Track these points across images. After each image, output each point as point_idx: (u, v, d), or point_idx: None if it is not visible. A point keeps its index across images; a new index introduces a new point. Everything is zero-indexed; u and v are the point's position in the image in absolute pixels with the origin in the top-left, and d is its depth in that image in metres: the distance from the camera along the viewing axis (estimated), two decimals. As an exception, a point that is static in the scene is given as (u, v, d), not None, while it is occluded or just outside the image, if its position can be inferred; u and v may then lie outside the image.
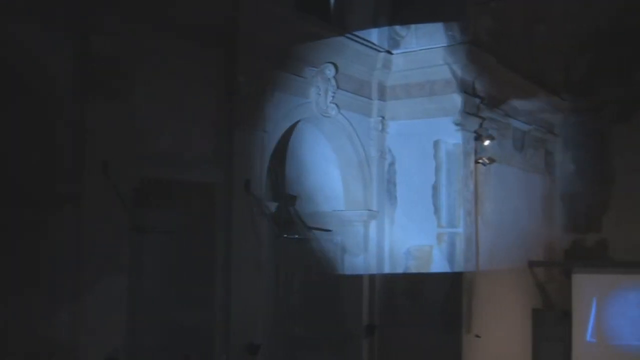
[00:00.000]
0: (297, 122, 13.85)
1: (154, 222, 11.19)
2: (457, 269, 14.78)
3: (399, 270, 15.18)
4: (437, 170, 14.97)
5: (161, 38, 10.82)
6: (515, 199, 17.36)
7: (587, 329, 17.91)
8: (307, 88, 13.65)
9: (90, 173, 9.97)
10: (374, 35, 15.10)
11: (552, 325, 18.21)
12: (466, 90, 14.97)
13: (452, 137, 14.92)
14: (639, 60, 19.04)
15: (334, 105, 14.03)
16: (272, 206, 13.08)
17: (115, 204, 10.03)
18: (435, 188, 14.96)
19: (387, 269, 15.22)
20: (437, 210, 14.93)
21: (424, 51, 15.06)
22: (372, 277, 15.07)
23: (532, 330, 18.27)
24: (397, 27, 15.32)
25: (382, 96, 15.30)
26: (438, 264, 14.89)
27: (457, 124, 14.85)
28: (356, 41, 14.45)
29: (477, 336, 15.07)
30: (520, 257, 17.67)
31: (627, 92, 19.22)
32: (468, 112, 14.97)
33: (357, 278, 14.98)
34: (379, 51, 14.95)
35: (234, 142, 12.07)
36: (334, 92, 13.98)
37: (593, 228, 19.58)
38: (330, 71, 13.86)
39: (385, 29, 15.30)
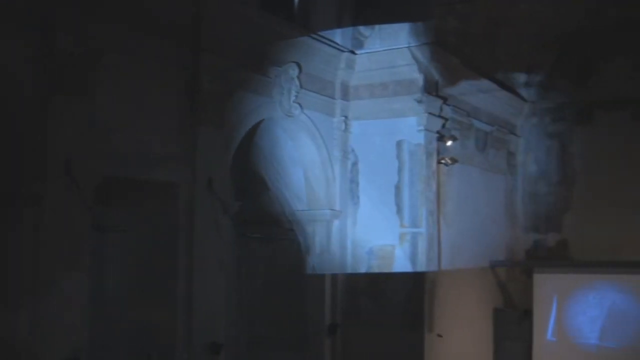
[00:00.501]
0: (261, 121, 13.82)
1: (116, 221, 11.14)
2: (419, 269, 14.85)
3: (362, 269, 15.21)
4: (400, 170, 15.02)
5: (124, 36, 10.76)
6: (477, 199, 17.46)
7: (547, 328, 18.08)
8: (271, 87, 13.65)
9: (52, 172, 9.89)
10: (337, 35, 15.12)
11: (513, 325, 18.34)
12: (429, 90, 15.04)
13: (415, 138, 14.98)
14: (600, 62, 19.26)
15: (297, 105, 14.04)
16: (235, 205, 13.05)
17: (77, 203, 9.96)
18: (397, 188, 15.02)
19: (349, 269, 15.24)
20: (399, 210, 14.99)
21: (388, 51, 15.10)
22: (334, 277, 15.09)
23: (493, 330, 18.38)
24: (361, 28, 15.35)
25: (345, 96, 15.33)
26: (400, 264, 14.95)
27: (420, 125, 14.92)
28: (320, 41, 14.47)
29: (439, 335, 15.15)
30: (482, 257, 17.77)
31: (588, 94, 19.43)
32: (431, 112, 15.04)
33: (320, 277, 14.99)
34: (342, 51, 14.98)
35: (198, 141, 12.04)
36: (297, 92, 13.98)
37: (554, 228, 19.75)
38: (293, 71, 13.87)
39: (349, 29, 15.33)
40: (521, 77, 19.35)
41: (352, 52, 15.16)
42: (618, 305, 17.54)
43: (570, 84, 19.60)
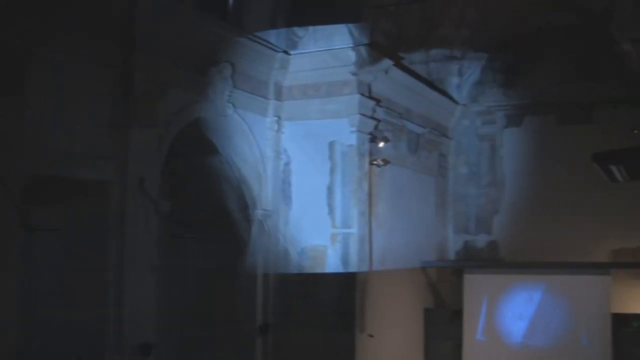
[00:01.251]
0: (195, 120, 13.73)
1: (46, 221, 10.98)
2: (350, 269, 14.92)
3: (294, 270, 15.23)
4: (332, 171, 15.08)
5: (56, 33, 10.59)
6: (409, 201, 17.62)
7: (477, 327, 18.33)
8: (205, 87, 13.58)
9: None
10: (272, 35, 15.10)
11: (443, 324, 18.55)
12: (362, 92, 15.14)
13: (348, 139, 15.06)
14: (530, 66, 19.62)
15: (230, 105, 14.01)
16: (167, 205, 12.97)
17: (6, 202, 9.80)
18: (329, 189, 15.07)
19: (281, 269, 15.25)
20: (331, 211, 15.05)
21: (322, 52, 15.13)
22: (266, 277, 15.08)
23: (424, 329, 18.58)
24: (296, 28, 15.33)
25: (278, 96, 15.34)
26: (332, 264, 15.01)
27: (352, 126, 15.01)
28: (254, 41, 14.46)
29: (370, 335, 15.25)
30: (413, 258, 17.93)
31: (518, 98, 19.79)
32: (364, 114, 15.14)
33: (252, 277, 14.97)
34: (276, 51, 14.98)
35: (129, 140, 11.91)
36: (230, 92, 13.95)
37: (484, 230, 20.05)
38: (227, 70, 13.83)
39: (284, 29, 15.32)
40: (453, 80, 19.60)
41: (286, 53, 15.17)
42: (545, 305, 17.88)
43: (501, 88, 19.95)
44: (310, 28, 15.29)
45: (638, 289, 16.08)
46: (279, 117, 15.30)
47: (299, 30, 15.30)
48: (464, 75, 19.74)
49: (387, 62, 15.57)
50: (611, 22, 14.49)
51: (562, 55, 19.12)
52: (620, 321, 17.22)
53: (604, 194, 17.08)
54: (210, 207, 14.96)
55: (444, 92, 19.10)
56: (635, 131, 14.07)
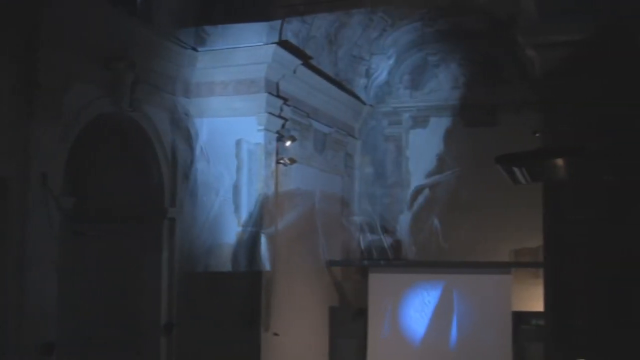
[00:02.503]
0: (101, 115, 13.48)
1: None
2: (256, 268, 14.90)
3: (200, 268, 15.11)
4: (239, 169, 15.02)
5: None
6: (315, 200, 17.69)
7: (381, 326, 18.51)
8: (111, 82, 13.35)
9: None
10: (180, 32, 14.95)
11: (348, 323, 18.66)
12: (270, 91, 15.14)
13: (255, 137, 15.03)
14: (436, 68, 19.94)
15: (137, 101, 13.81)
16: (70, 201, 12.74)
17: None
18: (236, 187, 15.01)
19: (187, 267, 15.12)
20: (237, 209, 14.99)
21: (230, 50, 15.07)
22: (171, 275, 14.93)
23: (329, 328, 18.67)
24: (205, 26, 15.25)
25: (186, 93, 15.20)
26: (238, 263, 14.96)
27: (260, 124, 15.00)
28: (162, 37, 14.33)
29: (276, 334, 15.26)
30: (318, 257, 18.02)
31: (424, 99, 20.09)
32: (271, 112, 15.15)
33: (157, 276, 14.81)
34: (184, 48, 14.87)
35: (31, 135, 11.64)
36: (137, 87, 13.76)
37: (389, 229, 20.26)
38: (134, 66, 13.62)
39: (192, 26, 15.18)
40: (361, 81, 19.76)
41: (195, 50, 15.06)
42: (448, 304, 18.16)
43: (407, 90, 20.21)
44: (220, 26, 15.20)
45: (537, 287, 16.38)
46: (187, 114, 15.16)
47: (209, 28, 15.20)
48: (371, 76, 19.92)
49: (295, 62, 15.62)
50: (516, 28, 14.80)
51: (468, 58, 19.49)
52: (521, 319, 17.61)
53: (507, 196, 17.43)
54: (115, 204, 14.75)
55: (351, 93, 19.23)
56: (537, 134, 14.38)
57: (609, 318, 13.10)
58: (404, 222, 20.13)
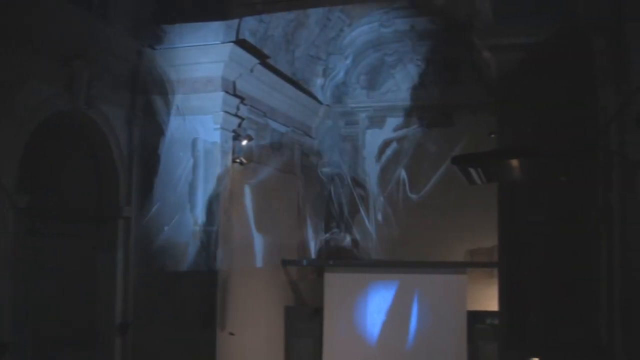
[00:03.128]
0: (56, 113, 13.30)
1: None
2: (212, 267, 14.83)
3: (155, 267, 15.01)
4: (195, 168, 14.91)
5: None
6: (271, 199, 17.66)
7: (337, 325, 18.54)
8: (66, 79, 13.21)
9: None
10: (138, 30, 14.84)
11: (304, 322, 18.66)
12: (227, 89, 15.05)
13: (211, 136, 14.92)
14: (392, 69, 20.04)
15: (93, 98, 13.68)
16: (25, 199, 12.57)
17: None
18: (191, 186, 14.92)
19: (143, 267, 15.00)
20: (193, 208, 14.90)
21: (187, 48, 14.93)
22: (127, 275, 14.82)
23: (284, 327, 18.65)
24: (162, 24, 15.12)
25: (143, 91, 15.08)
26: (193, 262, 14.88)
27: (216, 123, 14.92)
28: (119, 35, 14.21)
29: (231, 334, 15.21)
30: (274, 256, 17.98)
31: (380, 99, 20.18)
32: (228, 111, 15.06)
33: (112, 275, 14.69)
34: (141, 46, 14.75)
35: (-17, 132, 11.52)
36: (92, 85, 13.61)
37: (345, 228, 20.32)
38: (89, 63, 13.49)
39: (149, 24, 15.05)
40: (318, 81, 19.78)
41: (152, 48, 14.94)
42: (404, 303, 18.25)
43: (364, 90, 20.29)
44: (177, 24, 15.07)
45: (492, 287, 16.54)
46: (142, 112, 15.04)
47: (166, 26, 15.08)
48: (328, 76, 19.96)
49: (252, 61, 15.57)
50: (472, 29, 14.92)
51: (425, 59, 19.61)
52: (476, 319, 17.77)
53: (464, 196, 17.57)
54: (71, 203, 14.60)
55: (308, 92, 19.24)
56: (493, 135, 14.52)
57: (562, 317, 13.28)
58: (360, 221, 20.25)
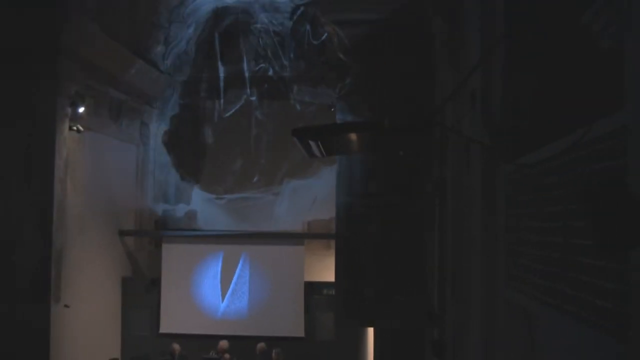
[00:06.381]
0: None
1: None
2: (46, 238, 14.42)
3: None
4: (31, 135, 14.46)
5: None
6: (109, 168, 17.34)
7: (175, 296, 18.50)
8: None
9: None
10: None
11: (141, 293, 18.51)
12: (66, 55, 14.61)
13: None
14: (235, 40, 19.98)
15: None
16: None
17: None
18: (27, 155, 14.42)
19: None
20: (28, 179, 14.39)
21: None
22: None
23: (122, 298, 18.42)
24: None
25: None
26: (27, 233, 14.42)
27: (51, 90, 14.46)
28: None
29: (66, 306, 14.87)
30: (111, 226, 17.72)
31: (220, 70, 20.12)
32: (64, 77, 14.63)
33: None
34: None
35: None
36: None
37: (183, 199, 20.23)
38: None
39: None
40: (159, 49, 19.45)
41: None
42: (243, 274, 18.40)
43: (206, 60, 20.11)
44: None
45: (329, 258, 16.95)
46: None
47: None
48: (169, 45, 19.65)
49: (92, 27, 15.15)
50: (316, 3, 15.05)
51: (268, 31, 19.62)
52: (313, 289, 18.10)
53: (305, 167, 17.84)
54: None
55: (148, 60, 18.88)
56: (333, 109, 14.78)
57: (396, 286, 13.71)
58: (198, 193, 20.21)
